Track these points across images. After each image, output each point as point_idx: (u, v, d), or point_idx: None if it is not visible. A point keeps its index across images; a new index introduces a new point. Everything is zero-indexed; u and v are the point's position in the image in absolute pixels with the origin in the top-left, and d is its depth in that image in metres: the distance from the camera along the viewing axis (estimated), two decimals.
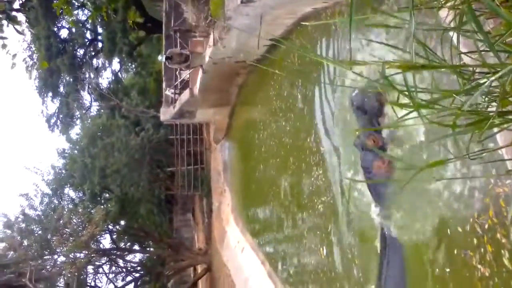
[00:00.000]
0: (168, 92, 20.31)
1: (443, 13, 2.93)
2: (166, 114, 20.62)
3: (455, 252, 5.50)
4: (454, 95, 1.90)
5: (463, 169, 5.28)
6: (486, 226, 4.97)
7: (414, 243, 6.57)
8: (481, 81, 1.93)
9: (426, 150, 6.09)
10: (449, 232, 5.69)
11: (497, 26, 2.96)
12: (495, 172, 4.75)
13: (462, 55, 2.25)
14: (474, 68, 2.10)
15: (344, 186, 9.13)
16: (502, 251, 4.73)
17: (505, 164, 4.27)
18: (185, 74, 18.07)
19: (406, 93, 1.83)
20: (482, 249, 5.02)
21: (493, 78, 1.58)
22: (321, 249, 10.09)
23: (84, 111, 31.66)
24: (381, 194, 7.37)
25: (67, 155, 28.78)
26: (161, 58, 16.10)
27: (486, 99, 1.97)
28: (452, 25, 2.36)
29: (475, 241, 5.17)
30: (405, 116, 1.94)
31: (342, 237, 9.07)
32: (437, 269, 5.85)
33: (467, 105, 1.69)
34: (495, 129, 2.09)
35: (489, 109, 2.00)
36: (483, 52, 1.98)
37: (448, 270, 5.67)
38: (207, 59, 14.28)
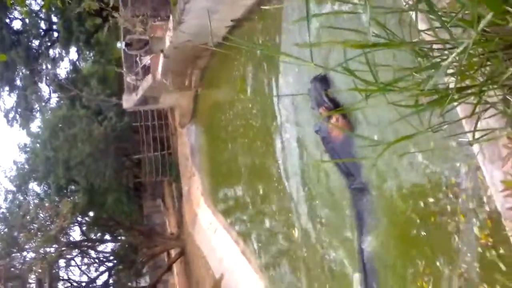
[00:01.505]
0: (129, 79, 19.99)
1: None
2: (128, 101, 20.33)
3: (432, 218, 5.77)
4: (414, 73, 2.01)
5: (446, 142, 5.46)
6: (460, 200, 5.25)
7: (389, 207, 6.83)
8: (439, 58, 2.05)
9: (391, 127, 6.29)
10: (425, 197, 5.96)
11: (452, 1, 3.09)
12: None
13: (424, 34, 2.35)
14: (431, 45, 2.22)
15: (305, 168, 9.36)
16: (474, 220, 5.01)
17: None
18: (146, 60, 17.81)
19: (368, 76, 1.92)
20: (457, 218, 5.30)
21: (449, 60, 1.70)
22: (290, 226, 10.36)
23: (43, 104, 30.71)
24: (350, 168, 7.61)
25: (28, 149, 28.06)
26: (121, 44, 15.78)
27: (445, 74, 2.09)
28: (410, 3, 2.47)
29: (449, 208, 5.46)
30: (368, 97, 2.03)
31: (309, 214, 9.34)
32: (414, 231, 6.13)
33: (428, 86, 1.81)
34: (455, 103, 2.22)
35: (448, 83, 2.13)
36: (441, 28, 2.08)
37: (424, 233, 5.95)
38: (167, 43, 14.12)
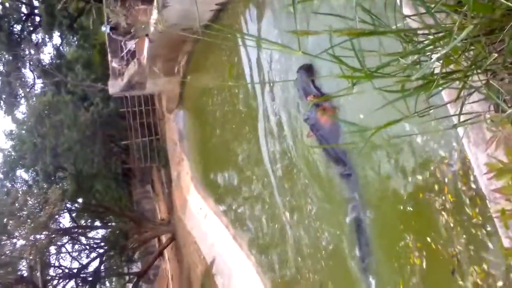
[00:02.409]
0: (115, 64, 19.75)
1: None
2: (114, 86, 20.10)
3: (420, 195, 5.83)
4: (400, 58, 1.99)
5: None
6: (446, 179, 5.29)
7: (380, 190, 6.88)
8: (425, 43, 2.04)
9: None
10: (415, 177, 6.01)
11: None
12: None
13: (409, 18, 2.34)
14: (416, 31, 2.21)
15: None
16: (463, 197, 5.07)
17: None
18: (131, 45, 17.60)
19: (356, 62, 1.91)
20: (444, 197, 5.36)
21: (437, 56, 1.69)
22: (281, 208, 10.40)
23: (28, 90, 30.36)
24: (339, 155, 7.66)
25: (15, 136, 27.77)
26: (105, 29, 15.51)
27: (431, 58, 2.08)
28: None
29: (436, 187, 5.51)
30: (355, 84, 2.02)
31: (299, 197, 9.38)
32: (401, 207, 6.20)
33: (416, 75, 1.79)
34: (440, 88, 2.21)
35: (433, 68, 2.12)
36: (426, 14, 2.07)
37: (411, 208, 6.02)
38: (152, 28, 13.93)
